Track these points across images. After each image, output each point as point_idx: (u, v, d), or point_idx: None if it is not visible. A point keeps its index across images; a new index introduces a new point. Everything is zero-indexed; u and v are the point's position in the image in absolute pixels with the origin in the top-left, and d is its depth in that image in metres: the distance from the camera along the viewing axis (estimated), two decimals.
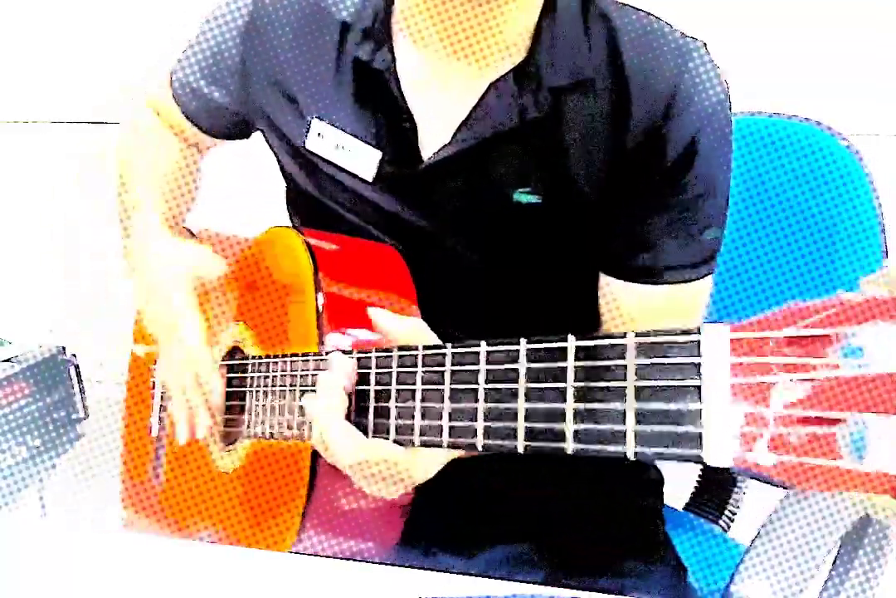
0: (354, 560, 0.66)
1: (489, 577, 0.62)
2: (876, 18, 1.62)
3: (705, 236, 0.79)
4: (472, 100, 0.77)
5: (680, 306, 0.81)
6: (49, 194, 2.15)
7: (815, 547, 0.70)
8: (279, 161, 0.90)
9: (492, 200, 0.78)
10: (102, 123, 2.04)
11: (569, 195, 0.77)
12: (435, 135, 0.78)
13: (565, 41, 0.75)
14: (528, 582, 0.62)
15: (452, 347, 0.55)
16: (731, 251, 1.03)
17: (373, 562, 0.67)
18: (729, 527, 1.08)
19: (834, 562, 0.77)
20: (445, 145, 0.78)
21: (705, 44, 0.77)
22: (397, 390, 0.60)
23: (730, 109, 0.77)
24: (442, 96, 0.78)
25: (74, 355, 1.02)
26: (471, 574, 0.62)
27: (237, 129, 0.95)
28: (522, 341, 0.51)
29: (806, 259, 1.00)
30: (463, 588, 0.60)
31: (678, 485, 1.07)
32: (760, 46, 1.67)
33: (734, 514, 1.09)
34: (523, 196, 0.78)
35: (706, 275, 0.81)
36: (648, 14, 0.78)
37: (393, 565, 0.65)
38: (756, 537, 0.74)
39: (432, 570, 0.63)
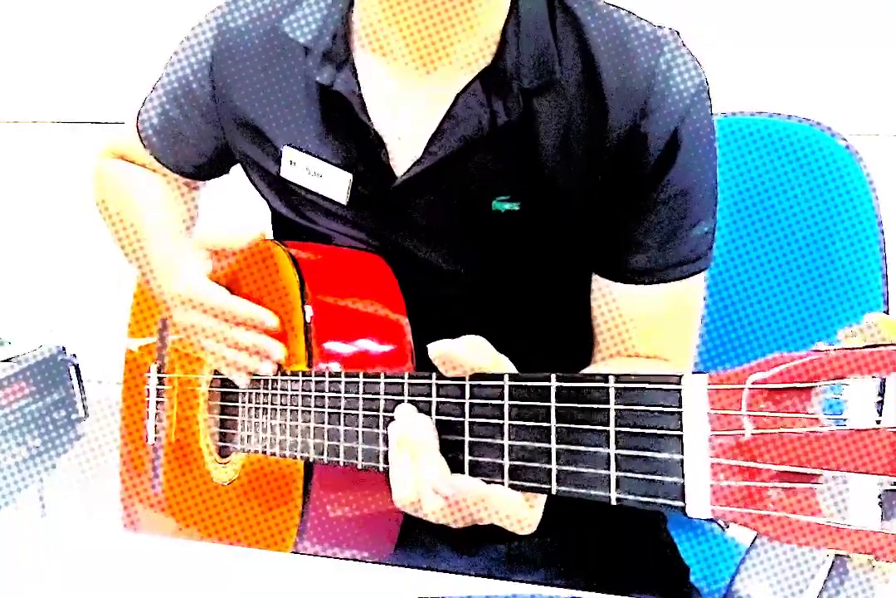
0: (355, 561, 0.66)
1: (489, 577, 0.62)
2: (875, 18, 1.62)
3: (697, 231, 0.78)
4: (441, 111, 0.75)
5: (678, 303, 0.80)
6: (49, 194, 2.15)
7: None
8: (259, 192, 0.89)
9: (471, 210, 0.77)
10: (102, 123, 2.04)
11: (549, 199, 0.76)
12: (406, 151, 0.77)
13: (532, 42, 0.74)
14: (528, 582, 0.62)
15: (437, 378, 0.56)
16: (731, 251, 1.03)
17: (373, 562, 0.67)
18: (727, 526, 1.08)
19: (834, 562, 0.77)
20: (418, 161, 0.76)
21: (677, 32, 0.76)
22: (384, 417, 0.60)
23: (708, 97, 0.76)
24: (410, 111, 0.77)
25: (74, 355, 1.02)
26: (471, 574, 0.62)
27: (214, 168, 0.94)
28: (506, 376, 0.51)
29: (806, 259, 0.99)
30: (463, 588, 0.60)
31: None
32: (760, 46, 1.67)
33: None
34: (503, 204, 0.76)
35: (703, 270, 0.80)
36: (616, 7, 0.76)
37: (393, 565, 0.65)
38: (757, 536, 0.74)
39: (432, 570, 0.63)
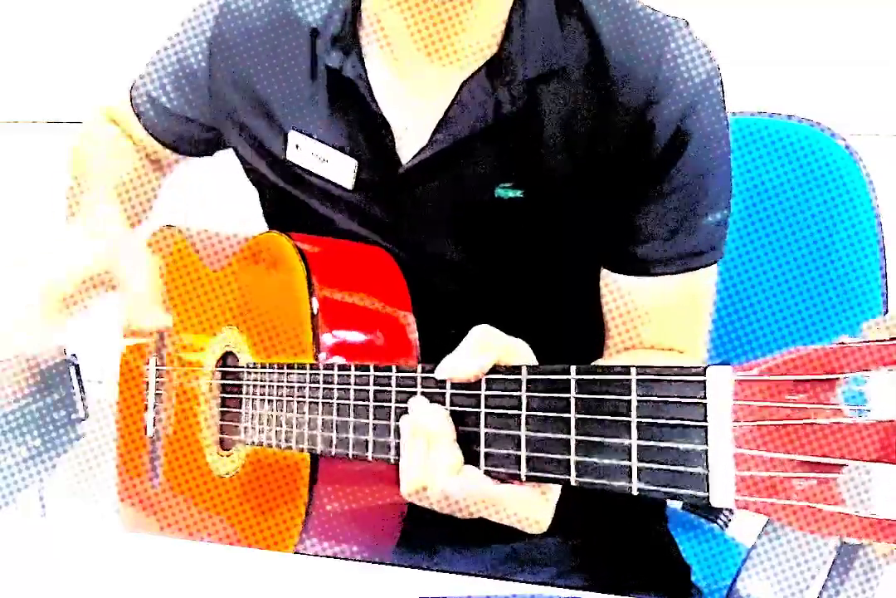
0: (355, 560, 0.65)
1: (490, 577, 0.62)
2: (875, 18, 1.62)
3: (708, 221, 0.77)
4: (447, 100, 0.76)
5: (690, 295, 0.79)
6: (49, 194, 2.15)
7: (817, 546, 0.70)
8: (255, 174, 0.88)
9: (474, 198, 0.77)
10: None
11: (553, 188, 0.76)
12: (412, 138, 0.77)
13: (537, 30, 0.74)
14: (528, 582, 0.62)
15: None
16: (731, 251, 1.03)
17: (373, 562, 0.67)
18: (727, 525, 1.08)
19: (834, 561, 0.77)
20: (423, 148, 0.76)
21: (687, 22, 0.76)
22: (396, 409, 0.60)
23: (720, 86, 0.75)
24: (416, 99, 0.77)
25: (74, 355, 1.02)
26: (471, 574, 0.62)
27: (201, 145, 0.94)
28: (524, 369, 0.51)
29: (805, 259, 1.00)
30: (463, 588, 0.60)
31: None
32: (760, 46, 1.67)
33: (731, 513, 1.09)
34: (507, 191, 0.76)
35: (714, 261, 0.79)
36: None
37: (393, 565, 0.65)
38: (760, 536, 0.74)
39: (433, 570, 0.63)
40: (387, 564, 0.67)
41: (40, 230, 2.28)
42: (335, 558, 0.67)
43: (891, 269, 0.96)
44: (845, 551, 0.78)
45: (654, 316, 0.79)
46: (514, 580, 0.61)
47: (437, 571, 0.62)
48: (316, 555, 0.72)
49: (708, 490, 0.40)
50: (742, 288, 1.03)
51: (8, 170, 2.19)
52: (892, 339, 0.35)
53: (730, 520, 1.09)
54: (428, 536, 0.79)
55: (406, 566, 0.63)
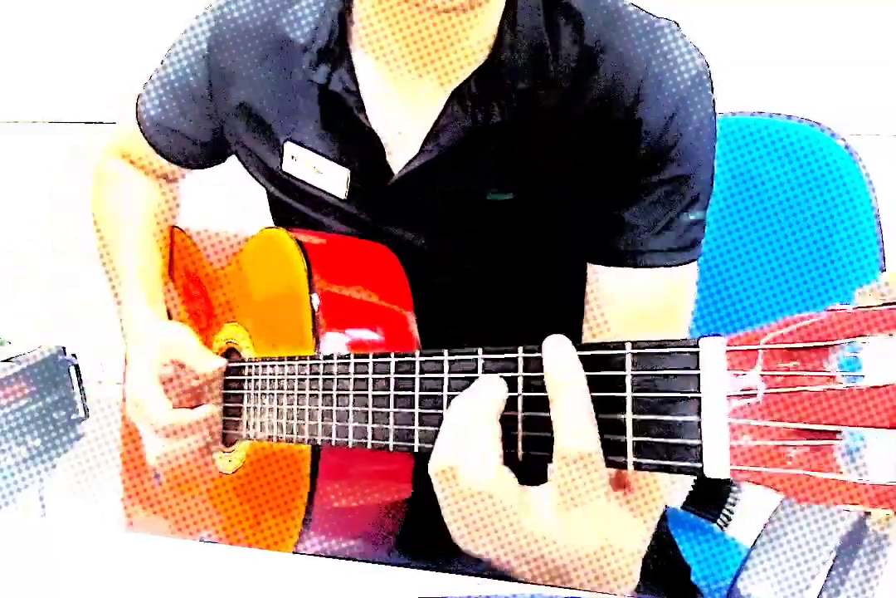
0: (354, 560, 0.65)
1: (489, 577, 0.62)
2: (875, 18, 1.62)
3: (687, 218, 0.77)
4: (437, 109, 0.76)
5: (662, 292, 0.79)
6: (49, 194, 2.15)
7: (817, 546, 0.70)
8: (258, 182, 0.90)
9: (465, 202, 0.78)
10: (102, 122, 2.04)
11: (543, 189, 0.77)
12: (403, 148, 0.78)
13: (527, 39, 0.74)
14: (528, 582, 0.62)
15: (449, 354, 0.55)
16: (730, 251, 1.03)
17: (373, 562, 0.67)
18: (726, 525, 1.08)
19: (834, 561, 0.77)
20: (413, 157, 0.77)
21: (676, 23, 0.76)
22: (395, 396, 0.60)
23: (710, 85, 0.76)
24: (406, 109, 0.78)
25: (74, 355, 1.02)
26: (471, 574, 0.62)
27: (210, 158, 0.96)
28: (520, 349, 0.51)
29: (806, 259, 1.00)
30: (463, 588, 0.60)
31: (675, 484, 1.07)
32: (759, 46, 1.67)
33: (731, 513, 1.09)
34: (498, 195, 0.77)
35: (689, 261, 0.79)
36: None
37: (393, 565, 0.65)
38: (759, 536, 0.74)
39: (432, 570, 0.62)
40: (387, 564, 0.66)
41: (39, 229, 2.29)
42: (335, 557, 0.67)
43: (890, 269, 0.96)
44: (845, 551, 0.78)
45: (626, 305, 0.78)
46: (514, 580, 0.61)
47: (437, 571, 0.62)
48: (316, 555, 0.72)
49: (702, 461, 0.40)
50: (742, 288, 1.03)
51: (8, 170, 2.19)
52: (885, 304, 0.35)
53: (730, 520, 1.09)
54: (428, 536, 0.79)
55: (406, 566, 0.63)
